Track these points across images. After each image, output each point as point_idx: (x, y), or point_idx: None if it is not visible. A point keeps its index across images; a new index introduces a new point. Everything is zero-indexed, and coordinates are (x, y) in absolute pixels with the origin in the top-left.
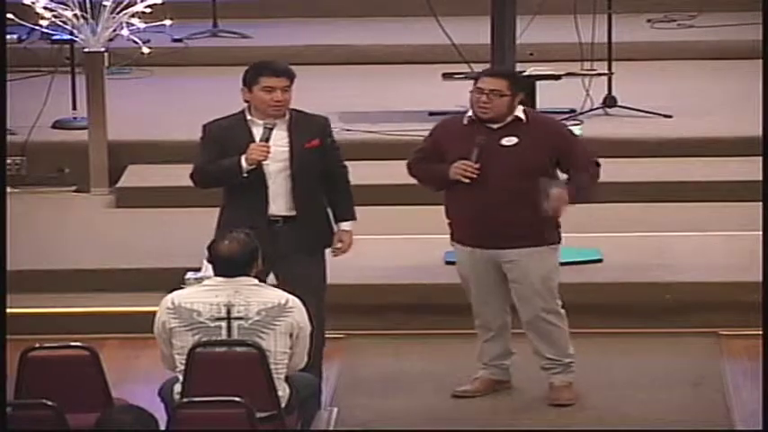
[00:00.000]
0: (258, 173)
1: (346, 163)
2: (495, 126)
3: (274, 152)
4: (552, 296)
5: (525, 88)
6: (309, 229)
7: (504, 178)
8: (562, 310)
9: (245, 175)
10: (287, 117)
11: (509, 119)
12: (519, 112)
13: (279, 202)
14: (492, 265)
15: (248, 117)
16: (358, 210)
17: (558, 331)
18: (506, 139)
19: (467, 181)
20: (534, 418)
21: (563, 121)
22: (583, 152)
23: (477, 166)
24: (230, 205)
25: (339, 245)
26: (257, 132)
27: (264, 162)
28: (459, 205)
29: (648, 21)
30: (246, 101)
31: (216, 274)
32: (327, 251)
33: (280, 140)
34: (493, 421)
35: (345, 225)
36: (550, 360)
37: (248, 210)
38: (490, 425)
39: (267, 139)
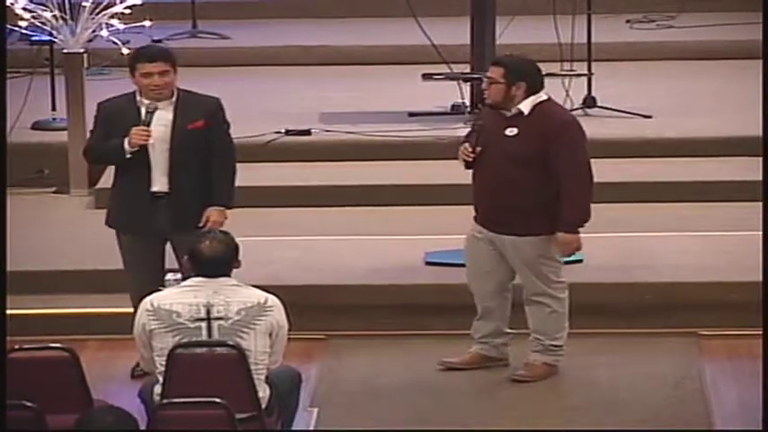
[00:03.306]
0: (142, 151)
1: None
2: (508, 114)
3: (157, 132)
4: (543, 280)
5: (526, 78)
6: (184, 207)
7: (500, 166)
8: (560, 294)
9: (129, 156)
10: (173, 98)
11: (514, 110)
12: (524, 104)
13: (162, 180)
14: (491, 246)
15: (138, 98)
16: (338, 210)
17: (545, 312)
18: (509, 129)
19: (462, 164)
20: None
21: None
22: (571, 158)
23: (474, 150)
24: (118, 180)
25: (203, 221)
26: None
27: (150, 143)
28: (474, 186)
29: (628, 21)
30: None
31: (196, 274)
32: None
33: (163, 120)
34: (478, 421)
35: (217, 206)
36: (535, 339)
37: (133, 185)
38: (473, 425)
39: (149, 123)
